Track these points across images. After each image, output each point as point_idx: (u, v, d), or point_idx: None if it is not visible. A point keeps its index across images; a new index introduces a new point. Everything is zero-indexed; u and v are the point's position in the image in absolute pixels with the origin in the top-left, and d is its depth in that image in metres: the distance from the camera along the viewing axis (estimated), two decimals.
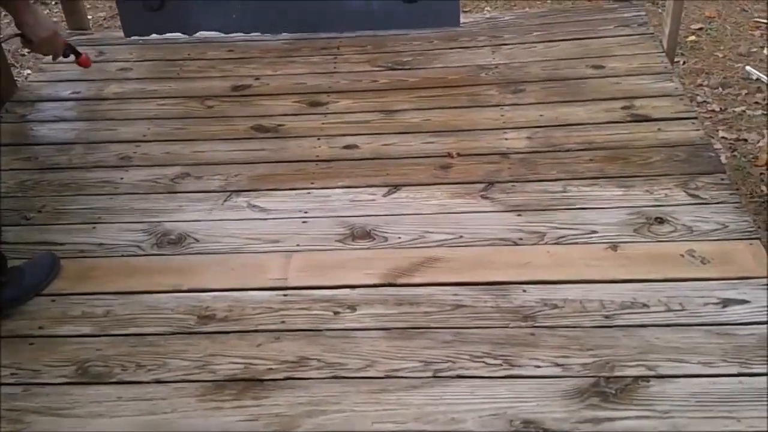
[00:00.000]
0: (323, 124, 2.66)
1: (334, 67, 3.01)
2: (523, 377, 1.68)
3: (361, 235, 2.13)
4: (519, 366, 1.70)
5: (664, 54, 2.89)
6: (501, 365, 1.71)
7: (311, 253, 2.08)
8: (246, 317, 1.89)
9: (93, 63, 3.14)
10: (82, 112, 2.87)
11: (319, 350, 1.79)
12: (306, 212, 2.23)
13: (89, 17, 3.77)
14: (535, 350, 1.74)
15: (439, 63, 2.98)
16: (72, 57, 2.31)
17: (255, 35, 3.28)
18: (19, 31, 2.01)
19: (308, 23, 3.23)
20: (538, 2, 4.32)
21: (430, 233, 2.11)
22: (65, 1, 3.40)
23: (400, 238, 2.11)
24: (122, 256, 2.12)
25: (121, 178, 2.45)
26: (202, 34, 3.29)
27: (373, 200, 2.26)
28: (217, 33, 3.28)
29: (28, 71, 3.87)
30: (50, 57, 2.18)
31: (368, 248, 2.09)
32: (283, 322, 1.87)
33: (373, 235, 2.12)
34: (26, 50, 2.10)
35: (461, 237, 2.10)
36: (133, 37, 3.31)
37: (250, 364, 1.76)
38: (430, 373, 1.71)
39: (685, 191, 2.19)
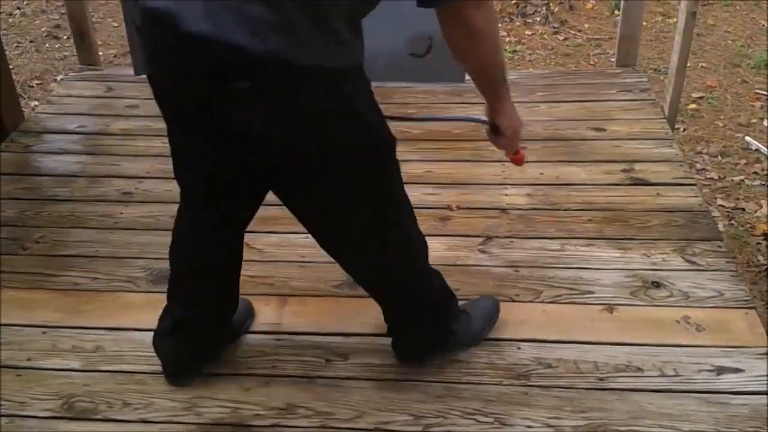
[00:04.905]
0: None
1: None
2: None
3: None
4: (510, 425, 1.68)
5: (665, 120, 2.93)
6: (492, 423, 1.69)
7: (307, 298, 2.08)
8: (237, 360, 1.87)
9: (101, 99, 3.19)
10: (87, 145, 2.90)
11: (309, 398, 1.77)
12: (304, 257, 2.23)
13: (100, 54, 3.82)
14: (527, 410, 1.72)
15: None
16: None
17: None
18: (485, 119, 1.68)
19: None
20: (542, 64, 4.40)
21: None
22: (77, 37, 3.44)
23: None
24: (117, 291, 2.11)
25: (121, 214, 2.45)
26: None
27: None
28: None
29: (36, 102, 3.90)
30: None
31: (364, 296, 2.08)
32: (274, 366, 1.85)
33: None
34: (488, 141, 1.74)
35: (457, 290, 2.08)
36: (143, 75, 3.35)
37: (238, 408, 1.74)
38: (420, 428, 1.69)
39: (682, 257, 2.20)
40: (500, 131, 1.66)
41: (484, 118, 1.68)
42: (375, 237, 1.57)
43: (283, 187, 1.50)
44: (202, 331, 1.82)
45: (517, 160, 1.83)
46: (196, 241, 1.71)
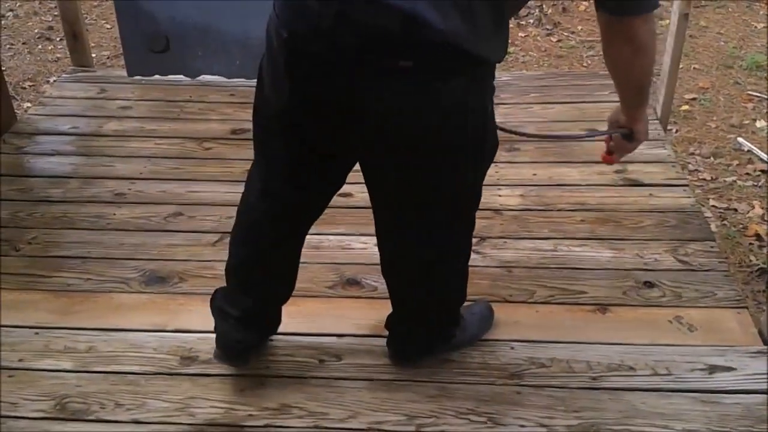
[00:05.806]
0: None
1: None
2: None
3: (351, 283, 2.13)
4: (504, 425, 1.68)
5: (657, 121, 2.94)
6: (485, 423, 1.69)
7: (300, 298, 2.06)
8: None
9: (94, 100, 3.18)
10: (80, 147, 2.89)
11: (302, 398, 1.76)
12: None
13: (93, 55, 3.82)
14: (520, 409, 1.72)
15: None
16: None
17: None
18: (621, 129, 1.68)
19: None
20: (536, 66, 4.40)
21: None
22: (70, 38, 3.44)
23: None
24: (109, 292, 2.11)
25: (114, 214, 2.45)
26: (204, 77, 3.33)
27: (365, 249, 2.26)
28: (220, 77, 3.32)
29: (28, 104, 3.89)
30: None
31: (358, 297, 2.09)
32: (267, 367, 1.85)
33: (364, 284, 2.12)
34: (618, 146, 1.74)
35: None
36: (135, 77, 3.35)
37: (231, 409, 1.74)
38: (413, 428, 1.69)
39: (674, 257, 2.21)
40: (635, 137, 1.67)
41: (622, 130, 1.68)
42: (447, 227, 1.58)
43: (379, 166, 1.49)
44: (263, 322, 1.83)
45: (612, 160, 1.83)
46: (271, 225, 1.68)
